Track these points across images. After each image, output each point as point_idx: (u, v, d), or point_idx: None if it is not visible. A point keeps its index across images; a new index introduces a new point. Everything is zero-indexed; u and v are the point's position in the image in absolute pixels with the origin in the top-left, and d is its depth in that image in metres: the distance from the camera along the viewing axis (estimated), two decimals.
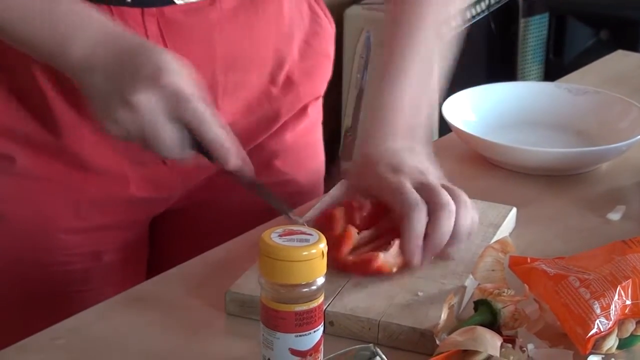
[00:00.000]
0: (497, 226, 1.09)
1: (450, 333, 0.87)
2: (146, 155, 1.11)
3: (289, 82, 1.23)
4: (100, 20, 1.00)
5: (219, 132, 0.99)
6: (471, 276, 0.97)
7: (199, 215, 1.24)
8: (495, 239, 1.05)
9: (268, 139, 1.24)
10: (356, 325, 0.92)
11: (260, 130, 1.23)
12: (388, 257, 0.98)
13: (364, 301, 0.95)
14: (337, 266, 0.98)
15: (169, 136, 0.98)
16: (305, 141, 1.30)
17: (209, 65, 1.12)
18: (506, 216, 1.11)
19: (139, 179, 1.14)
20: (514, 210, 1.13)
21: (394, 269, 0.98)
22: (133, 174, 1.14)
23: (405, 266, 1.00)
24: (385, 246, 1.00)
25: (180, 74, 0.97)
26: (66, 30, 0.98)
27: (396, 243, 0.99)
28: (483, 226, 1.08)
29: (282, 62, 1.21)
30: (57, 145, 1.10)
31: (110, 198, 1.14)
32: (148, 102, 0.96)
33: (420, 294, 0.96)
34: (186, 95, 0.97)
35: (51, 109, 1.08)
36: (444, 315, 0.89)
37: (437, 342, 0.87)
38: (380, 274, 0.98)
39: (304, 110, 1.27)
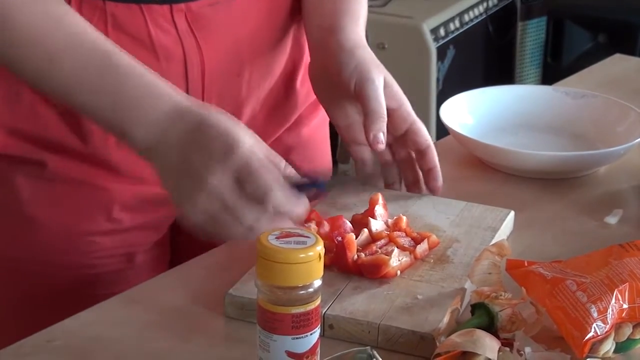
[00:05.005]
0: (495, 230, 1.09)
1: (448, 336, 0.87)
2: None
3: (306, 73, 1.25)
4: (162, 98, 0.97)
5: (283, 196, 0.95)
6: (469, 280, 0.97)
7: None
8: (493, 242, 1.06)
9: (285, 134, 1.27)
10: (356, 328, 0.92)
11: (279, 123, 1.25)
12: (392, 262, 0.99)
13: (363, 304, 0.95)
14: (346, 269, 0.99)
15: (247, 214, 0.94)
16: (318, 136, 1.33)
17: (236, 58, 1.14)
18: (504, 220, 1.11)
19: None
20: (512, 213, 1.13)
21: (398, 272, 0.99)
22: None
23: (406, 269, 1.00)
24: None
25: (248, 142, 0.94)
26: (130, 113, 0.97)
27: (395, 249, 1.00)
28: (481, 229, 1.08)
29: (301, 53, 1.24)
30: (86, 150, 1.10)
31: (140, 199, 1.15)
32: (223, 183, 0.93)
33: (419, 297, 0.96)
34: (255, 168, 0.93)
35: (79, 115, 1.08)
36: (446, 319, 0.89)
37: (438, 344, 0.87)
38: (385, 277, 0.98)
39: (318, 103, 1.29)
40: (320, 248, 0.79)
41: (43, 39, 0.97)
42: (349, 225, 1.04)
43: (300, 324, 0.79)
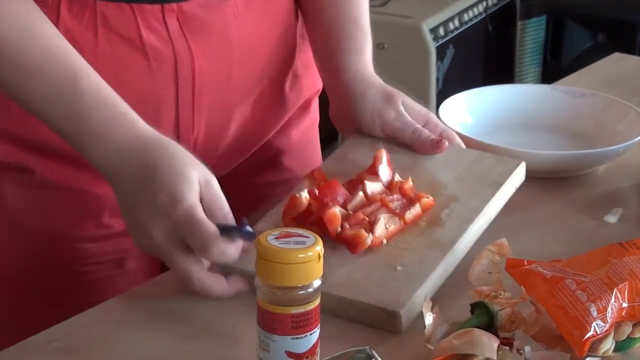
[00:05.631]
0: (499, 185, 1.08)
1: (445, 336, 0.87)
2: None
3: (294, 75, 1.25)
4: (121, 129, 0.98)
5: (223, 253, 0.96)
6: (454, 248, 0.98)
7: None
8: (494, 198, 1.06)
9: (275, 137, 1.27)
10: (331, 302, 0.91)
11: (269, 126, 1.26)
12: (377, 232, 0.98)
13: (342, 276, 0.95)
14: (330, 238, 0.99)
15: (185, 267, 0.96)
16: (308, 138, 1.33)
17: (226, 60, 1.13)
18: (511, 172, 1.10)
19: None
20: (523, 165, 1.12)
21: (384, 241, 0.99)
22: None
23: (394, 236, 1.00)
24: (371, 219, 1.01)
25: (192, 197, 0.95)
26: (90, 140, 0.98)
27: (382, 217, 0.99)
28: (485, 185, 1.08)
29: (291, 58, 1.24)
30: (76, 154, 1.08)
31: None
32: (164, 235, 0.95)
33: (399, 268, 0.96)
34: (194, 225, 0.93)
35: None
36: (428, 321, 0.89)
37: (430, 347, 0.87)
38: (372, 246, 0.98)
39: (307, 105, 1.30)
40: (319, 248, 0.79)
41: (17, 55, 0.97)
42: (342, 191, 1.04)
43: (300, 324, 0.79)
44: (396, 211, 1.02)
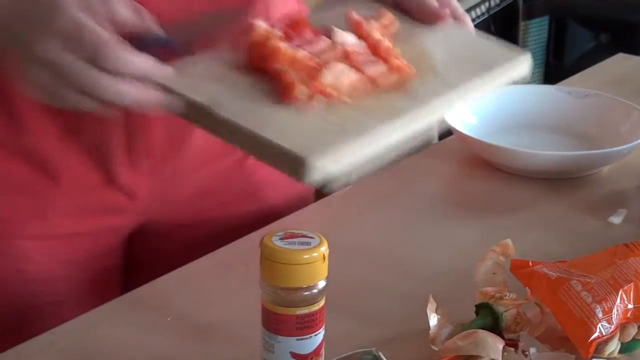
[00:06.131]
0: (489, 68, 0.96)
1: (450, 337, 0.87)
2: (114, 158, 1.07)
3: None
4: None
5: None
6: (407, 117, 0.86)
7: (178, 237, 1.20)
8: (477, 79, 0.94)
9: (255, 164, 1.18)
10: (250, 140, 0.82)
11: None
12: (325, 80, 0.87)
13: (275, 120, 0.84)
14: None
15: (81, 78, 0.85)
16: None
17: None
18: (509, 60, 0.99)
19: (106, 185, 1.09)
20: (527, 58, 1.02)
21: (347, 99, 0.86)
22: (100, 179, 1.08)
23: (357, 94, 0.88)
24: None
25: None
26: None
27: (336, 67, 0.87)
28: (471, 65, 0.96)
29: None
30: (21, 144, 1.05)
31: (79, 205, 1.09)
32: (50, 49, 0.84)
33: (338, 124, 0.84)
34: (82, 26, 0.84)
35: (15, 102, 1.02)
36: (433, 322, 0.89)
37: (434, 348, 0.87)
38: (323, 95, 0.86)
39: None
40: (324, 249, 0.78)
41: None
42: (309, 36, 0.91)
43: (305, 325, 0.79)
44: (356, 65, 0.89)
